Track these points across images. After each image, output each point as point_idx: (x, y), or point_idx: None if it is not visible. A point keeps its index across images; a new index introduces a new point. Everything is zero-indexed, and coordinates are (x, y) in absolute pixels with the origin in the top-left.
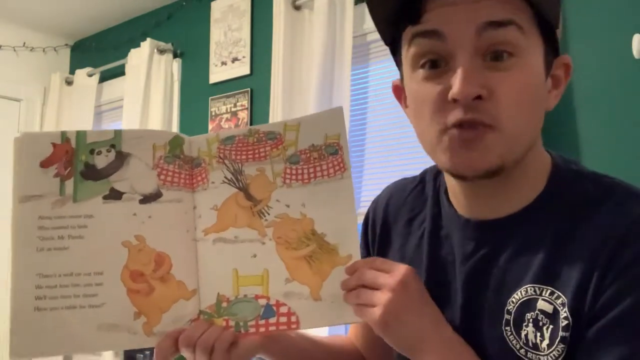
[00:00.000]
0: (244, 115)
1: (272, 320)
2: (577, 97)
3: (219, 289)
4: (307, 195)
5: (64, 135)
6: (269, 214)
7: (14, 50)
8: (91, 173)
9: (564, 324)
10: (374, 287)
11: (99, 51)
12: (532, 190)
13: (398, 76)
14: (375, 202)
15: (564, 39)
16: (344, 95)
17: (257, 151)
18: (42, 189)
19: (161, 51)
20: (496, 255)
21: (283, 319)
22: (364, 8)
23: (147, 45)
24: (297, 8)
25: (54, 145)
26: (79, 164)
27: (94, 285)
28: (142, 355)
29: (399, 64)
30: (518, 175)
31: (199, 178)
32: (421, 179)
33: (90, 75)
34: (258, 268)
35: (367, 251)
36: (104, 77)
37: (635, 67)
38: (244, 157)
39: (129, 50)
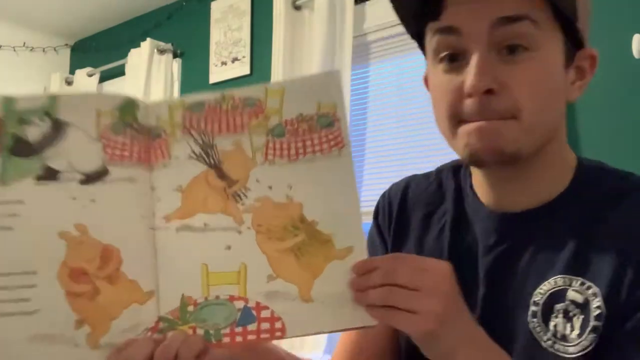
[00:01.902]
0: None
1: (252, 327)
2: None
3: (183, 289)
4: (295, 174)
5: None
6: (247, 197)
7: (14, 50)
8: (22, 148)
9: (596, 314)
10: (412, 288)
11: (99, 51)
12: (557, 184)
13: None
14: (388, 193)
15: None
16: (344, 95)
17: (232, 121)
18: None
19: (161, 51)
20: (521, 247)
21: (265, 325)
22: (364, 8)
23: (147, 45)
24: (297, 8)
25: None
26: (7, 138)
27: (26, 288)
28: None
29: (425, 56)
30: (540, 167)
31: (158, 152)
32: (437, 175)
33: (90, 75)
34: (233, 263)
35: (382, 240)
36: (104, 77)
37: (635, 67)
38: (216, 127)
39: (129, 50)
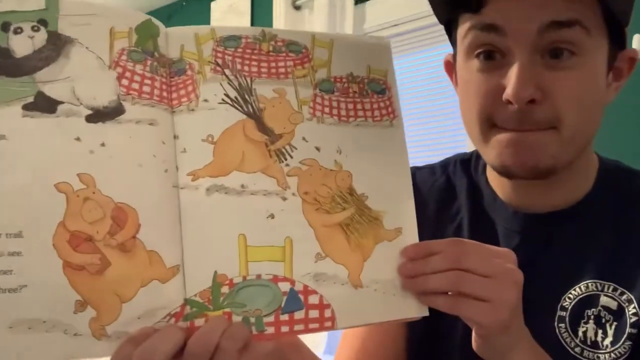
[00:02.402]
0: None
1: (299, 315)
2: None
3: (216, 265)
4: (345, 138)
5: None
6: (291, 157)
7: None
8: (4, 64)
9: (632, 320)
10: (483, 274)
11: None
12: (583, 185)
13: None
14: None
15: None
16: None
17: (274, 64)
18: None
19: None
20: (546, 250)
21: (314, 314)
22: (364, 8)
23: None
24: (297, 8)
25: None
26: None
27: (7, 256)
28: None
29: (454, 43)
30: (568, 172)
31: (182, 92)
32: (443, 170)
33: None
34: (277, 235)
35: None
36: None
37: (635, 67)
38: (254, 69)
39: None
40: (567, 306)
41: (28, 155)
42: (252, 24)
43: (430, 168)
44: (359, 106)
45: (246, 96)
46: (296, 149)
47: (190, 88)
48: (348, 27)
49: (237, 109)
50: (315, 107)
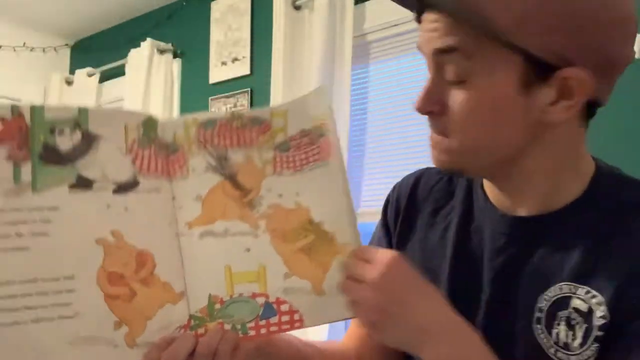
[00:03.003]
0: None
1: (274, 320)
2: None
3: (210, 289)
4: (301, 182)
5: (15, 108)
6: (261, 205)
7: (14, 50)
8: (53, 156)
9: (600, 323)
10: (359, 280)
11: (99, 51)
12: (570, 192)
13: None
14: (399, 187)
15: None
16: (344, 95)
17: (242, 136)
18: None
19: (161, 51)
20: (529, 252)
21: (285, 318)
22: (364, 8)
23: (147, 45)
24: (297, 8)
25: (3, 120)
26: (37, 145)
27: (65, 293)
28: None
29: None
30: (523, 179)
31: (177, 165)
32: None
33: (90, 75)
34: (253, 263)
35: (386, 233)
36: (104, 77)
37: (635, 67)
38: (228, 142)
39: (129, 50)
40: (543, 307)
41: (74, 220)
42: (252, 24)
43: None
44: (309, 154)
45: (223, 163)
46: (264, 198)
47: (182, 162)
48: (348, 27)
49: (217, 173)
50: (276, 165)
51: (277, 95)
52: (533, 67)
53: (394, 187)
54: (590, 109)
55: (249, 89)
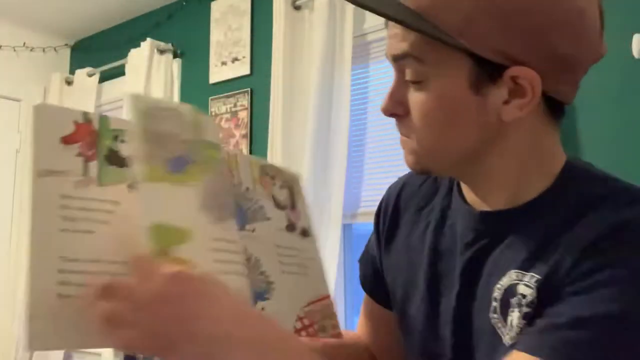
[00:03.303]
0: (244, 115)
1: None
2: (577, 97)
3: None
4: None
5: (86, 115)
6: None
7: (14, 50)
8: (116, 159)
9: (529, 300)
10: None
11: (99, 51)
12: (536, 187)
13: None
14: (389, 190)
15: None
16: (344, 96)
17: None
18: (64, 165)
19: (161, 51)
20: (494, 245)
21: None
22: None
23: (147, 45)
24: (297, 8)
25: (76, 123)
26: (103, 148)
27: (120, 275)
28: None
29: None
30: (489, 177)
31: None
32: None
33: (90, 75)
34: None
35: (377, 237)
36: (104, 77)
37: (635, 67)
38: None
39: (129, 50)
40: (497, 297)
41: (131, 214)
42: (252, 24)
43: None
44: None
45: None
46: None
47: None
48: (348, 27)
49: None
50: None
51: (277, 95)
52: (482, 68)
53: (387, 189)
54: (555, 107)
55: (249, 89)
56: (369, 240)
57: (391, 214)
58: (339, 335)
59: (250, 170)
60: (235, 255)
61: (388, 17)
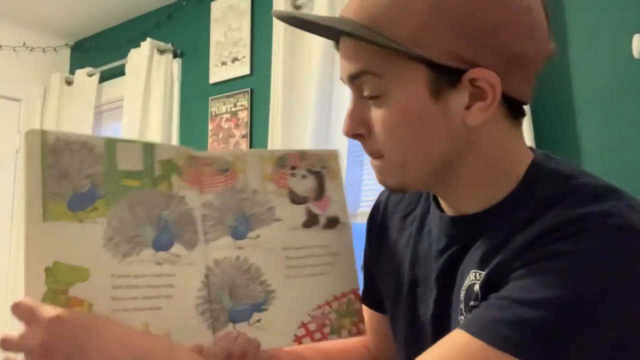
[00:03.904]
0: (244, 115)
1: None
2: (577, 97)
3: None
4: None
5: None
6: None
7: (14, 50)
8: None
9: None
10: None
11: (99, 51)
12: (501, 189)
13: None
14: (378, 197)
15: (564, 39)
16: (344, 96)
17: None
18: None
19: (161, 51)
20: (465, 249)
21: None
22: None
23: (147, 45)
24: (297, 8)
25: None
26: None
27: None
28: None
29: None
30: (460, 184)
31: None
32: None
33: (90, 75)
34: None
35: (370, 245)
36: (104, 77)
37: (635, 67)
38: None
39: (129, 50)
40: (461, 298)
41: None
42: (252, 24)
43: None
44: None
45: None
46: None
47: None
48: None
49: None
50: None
51: (277, 95)
52: (440, 74)
53: (377, 197)
54: (514, 107)
55: (249, 89)
56: (365, 252)
57: (380, 221)
58: (362, 333)
59: (261, 168)
60: (139, 290)
61: (342, 33)
